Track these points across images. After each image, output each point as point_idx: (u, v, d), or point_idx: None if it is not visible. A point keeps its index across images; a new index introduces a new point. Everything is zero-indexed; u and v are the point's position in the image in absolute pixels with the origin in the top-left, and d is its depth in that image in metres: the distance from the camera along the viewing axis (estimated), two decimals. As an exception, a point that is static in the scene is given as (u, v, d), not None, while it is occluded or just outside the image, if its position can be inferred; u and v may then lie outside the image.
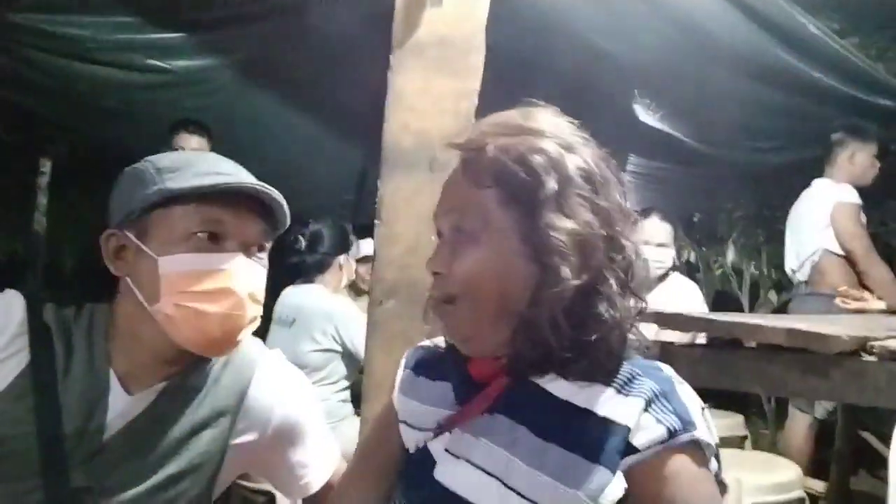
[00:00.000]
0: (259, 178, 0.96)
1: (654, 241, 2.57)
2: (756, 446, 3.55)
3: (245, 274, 0.92)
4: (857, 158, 2.98)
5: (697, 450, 0.72)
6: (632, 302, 0.77)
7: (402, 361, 0.95)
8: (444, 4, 1.40)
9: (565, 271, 0.72)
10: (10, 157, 4.46)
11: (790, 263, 3.19)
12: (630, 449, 0.70)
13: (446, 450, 0.80)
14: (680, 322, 1.16)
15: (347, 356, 2.46)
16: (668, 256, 2.59)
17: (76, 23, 3.03)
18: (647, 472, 0.70)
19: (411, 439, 0.86)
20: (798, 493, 2.34)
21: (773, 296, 4.99)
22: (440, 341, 0.90)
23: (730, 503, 2.22)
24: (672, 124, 3.52)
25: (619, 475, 0.70)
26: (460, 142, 0.81)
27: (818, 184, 3.03)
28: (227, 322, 0.91)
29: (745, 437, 3.41)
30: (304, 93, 3.58)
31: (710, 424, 0.75)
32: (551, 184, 0.74)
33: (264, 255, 0.98)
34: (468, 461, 0.76)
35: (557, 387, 0.76)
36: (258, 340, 1.06)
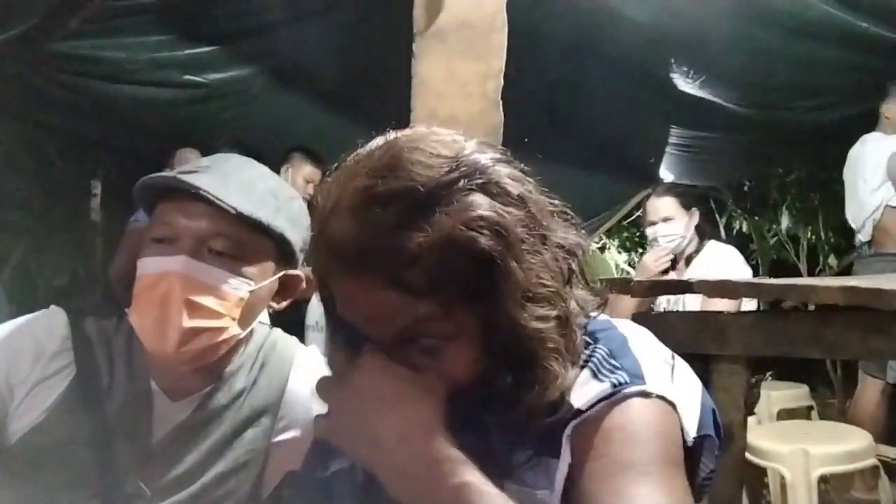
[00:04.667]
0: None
1: (659, 217, 2.60)
2: (823, 416, 3.45)
3: (180, 277, 0.86)
4: None
5: (651, 402, 0.62)
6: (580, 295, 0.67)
7: None
8: (464, -13, 1.38)
9: (555, 369, 0.61)
10: (64, 182, 4.64)
11: (852, 224, 3.07)
12: (574, 414, 0.62)
13: None
14: (727, 289, 1.11)
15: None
16: (674, 229, 2.58)
17: (114, 46, 3.12)
18: (587, 431, 0.61)
19: None
20: (871, 461, 2.25)
21: (833, 261, 4.81)
22: None
23: (798, 474, 2.16)
24: (713, 91, 3.41)
25: (565, 449, 0.62)
26: (349, 252, 0.60)
27: (869, 138, 2.91)
28: (158, 329, 0.86)
29: (810, 408, 3.31)
30: (337, 93, 3.61)
31: (683, 376, 0.67)
32: (509, 269, 0.59)
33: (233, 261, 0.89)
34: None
35: None
36: (294, 339, 1.06)
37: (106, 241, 4.64)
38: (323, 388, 0.63)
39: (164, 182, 0.90)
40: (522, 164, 0.67)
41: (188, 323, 0.86)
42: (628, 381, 0.62)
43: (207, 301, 0.87)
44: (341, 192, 0.61)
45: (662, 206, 2.63)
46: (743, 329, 1.05)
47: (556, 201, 0.68)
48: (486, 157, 0.63)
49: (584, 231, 0.69)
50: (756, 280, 1.07)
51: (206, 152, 3.07)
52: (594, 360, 0.65)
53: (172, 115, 3.60)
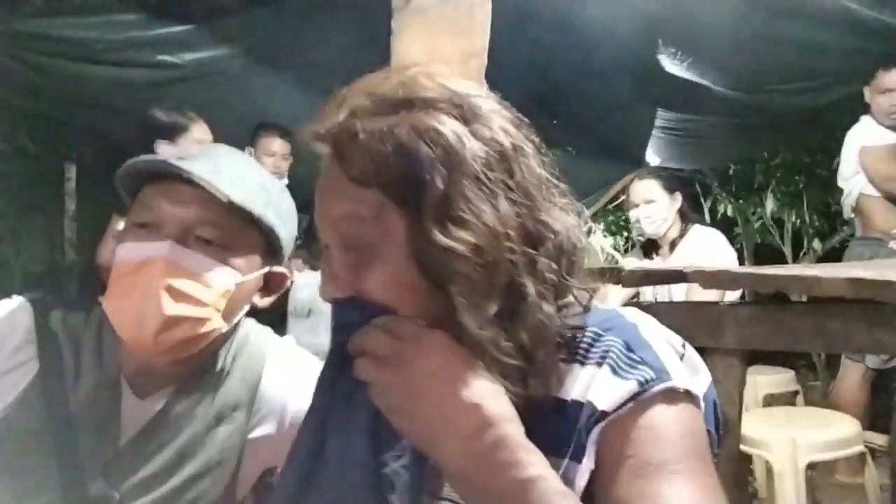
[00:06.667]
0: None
1: (641, 199, 2.67)
2: (806, 399, 3.46)
3: (165, 263, 0.83)
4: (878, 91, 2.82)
5: (676, 398, 0.60)
6: (571, 285, 0.65)
7: None
8: (446, -39, 1.31)
9: (466, 301, 0.58)
10: (38, 167, 4.52)
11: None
12: (600, 416, 0.60)
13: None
14: (725, 280, 1.06)
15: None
16: (655, 210, 2.64)
17: (83, 25, 3.02)
18: (615, 434, 0.59)
19: None
20: (858, 449, 2.25)
21: (817, 245, 4.83)
22: None
23: (785, 462, 2.15)
24: (700, 73, 3.37)
25: (590, 453, 0.59)
26: (322, 130, 0.63)
27: (861, 120, 2.90)
28: (137, 316, 0.82)
29: (796, 393, 3.32)
30: (317, 75, 3.52)
31: (694, 365, 0.64)
32: (437, 183, 0.58)
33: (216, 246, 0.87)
34: (439, 497, 0.64)
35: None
36: (268, 329, 1.02)
37: (82, 227, 4.54)
38: (368, 364, 0.60)
39: (154, 166, 0.86)
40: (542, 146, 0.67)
41: (170, 310, 0.82)
42: (654, 377, 0.60)
43: (192, 289, 0.83)
44: (350, 90, 0.65)
45: (645, 189, 2.67)
46: (740, 321, 1.00)
47: (559, 184, 0.67)
48: (491, 103, 0.65)
49: (578, 216, 0.67)
50: (755, 270, 1.02)
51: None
52: (612, 355, 0.61)
53: (147, 97, 3.48)
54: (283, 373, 0.97)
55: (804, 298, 1.13)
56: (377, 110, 0.62)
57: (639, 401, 0.59)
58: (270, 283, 0.96)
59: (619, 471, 0.58)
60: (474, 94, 0.65)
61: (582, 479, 0.59)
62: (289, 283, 0.98)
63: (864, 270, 0.89)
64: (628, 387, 0.59)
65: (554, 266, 0.62)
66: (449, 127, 0.60)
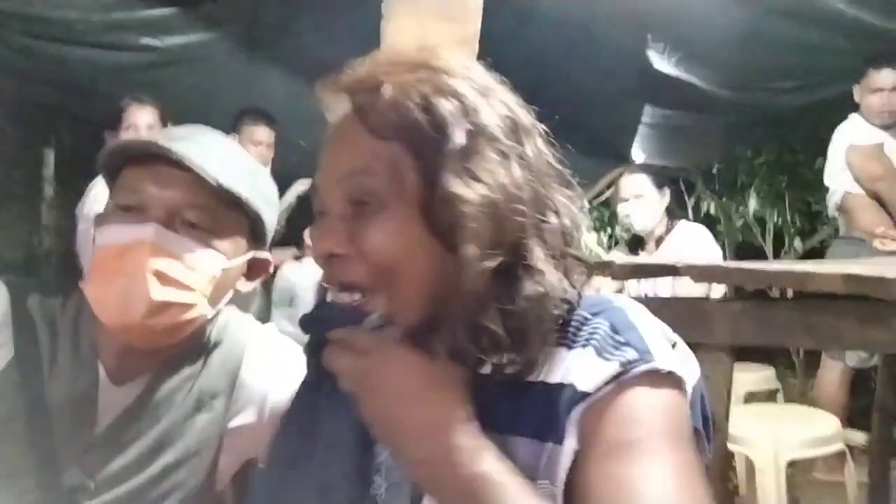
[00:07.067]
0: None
1: (630, 194, 2.63)
2: (785, 397, 3.49)
3: (151, 247, 0.81)
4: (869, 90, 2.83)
5: (659, 380, 0.59)
6: (571, 266, 0.65)
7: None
8: (438, -55, 1.29)
9: (472, 251, 0.59)
10: (15, 151, 4.43)
11: None
12: (581, 397, 0.59)
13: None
14: (717, 274, 1.05)
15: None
16: (644, 205, 2.61)
17: (64, 5, 2.95)
18: (596, 414, 0.58)
19: None
20: (839, 446, 2.27)
21: (798, 244, 4.87)
22: None
23: (767, 460, 2.16)
24: (687, 69, 3.37)
25: (571, 433, 0.59)
26: (348, 81, 0.65)
27: (850, 118, 2.91)
28: (122, 301, 0.80)
29: (776, 390, 3.34)
30: (304, 61, 3.48)
31: (683, 354, 0.64)
32: (458, 136, 0.60)
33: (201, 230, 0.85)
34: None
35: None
36: (249, 317, 1.00)
37: (60, 214, 4.46)
38: (346, 380, 0.62)
39: (143, 147, 0.84)
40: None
41: (158, 295, 0.80)
42: (637, 357, 0.59)
43: (179, 273, 0.81)
44: (371, 55, 0.67)
45: (635, 184, 2.65)
46: (730, 317, 0.99)
47: (563, 170, 0.68)
48: (501, 86, 0.66)
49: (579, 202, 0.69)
50: (747, 265, 1.01)
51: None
52: (597, 337, 0.61)
53: (129, 81, 3.42)
54: (264, 361, 0.95)
55: (789, 296, 1.14)
56: (399, 68, 0.64)
57: (620, 382, 0.58)
58: (253, 269, 0.94)
59: (592, 452, 0.58)
60: (484, 72, 0.67)
61: (566, 461, 0.59)
62: (271, 269, 0.97)
63: (857, 266, 0.89)
64: (610, 368, 0.59)
65: (555, 241, 0.64)
66: (468, 91, 0.63)
